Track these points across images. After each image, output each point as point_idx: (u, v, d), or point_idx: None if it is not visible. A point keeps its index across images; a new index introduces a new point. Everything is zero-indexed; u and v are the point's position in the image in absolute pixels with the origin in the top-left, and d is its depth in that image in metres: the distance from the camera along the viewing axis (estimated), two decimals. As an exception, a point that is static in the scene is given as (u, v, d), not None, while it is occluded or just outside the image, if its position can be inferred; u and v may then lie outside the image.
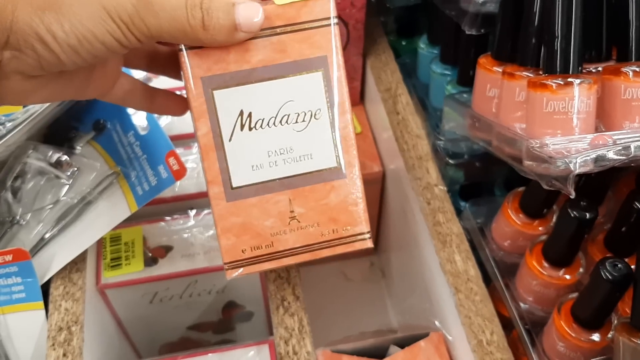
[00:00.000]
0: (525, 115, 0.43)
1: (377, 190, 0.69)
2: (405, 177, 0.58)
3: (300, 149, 0.40)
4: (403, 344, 0.52)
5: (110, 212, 0.52)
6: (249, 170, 0.40)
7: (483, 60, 0.48)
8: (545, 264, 0.47)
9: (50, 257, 0.52)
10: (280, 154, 0.40)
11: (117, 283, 0.53)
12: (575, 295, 0.45)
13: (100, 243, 0.55)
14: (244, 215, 0.40)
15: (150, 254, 0.55)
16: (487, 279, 0.52)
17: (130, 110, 0.54)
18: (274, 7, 0.38)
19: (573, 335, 0.43)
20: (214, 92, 0.39)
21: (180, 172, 0.51)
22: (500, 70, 0.46)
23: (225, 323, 0.62)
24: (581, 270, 0.47)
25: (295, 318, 0.49)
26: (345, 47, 0.64)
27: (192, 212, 0.57)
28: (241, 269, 0.41)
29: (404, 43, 0.69)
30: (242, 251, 0.41)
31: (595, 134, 0.39)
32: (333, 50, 0.39)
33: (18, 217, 0.53)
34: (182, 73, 0.39)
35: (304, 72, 0.39)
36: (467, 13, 0.50)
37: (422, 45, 0.62)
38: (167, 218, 0.57)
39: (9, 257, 0.49)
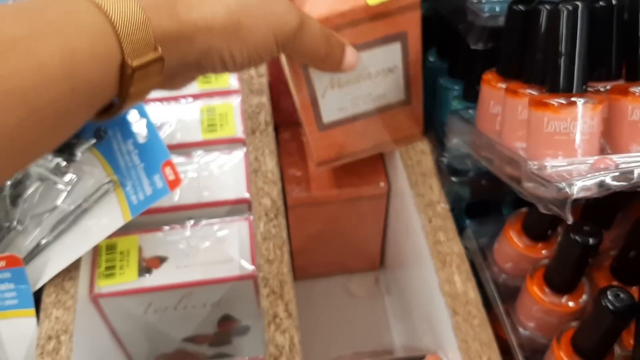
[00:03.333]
0: (526, 134, 0.41)
1: (382, 206, 0.68)
2: (408, 194, 0.57)
3: (377, 92, 0.54)
4: (399, 366, 0.51)
5: (105, 221, 0.52)
6: (336, 111, 0.54)
7: (488, 76, 0.47)
8: (547, 290, 0.45)
9: (44, 264, 0.51)
10: (362, 97, 0.54)
11: (111, 293, 0.53)
12: (576, 323, 0.43)
13: (95, 251, 0.55)
14: (330, 138, 0.56)
15: (145, 264, 0.54)
16: (488, 302, 0.50)
17: (131, 118, 0.54)
18: (365, 5, 0.47)
19: (573, 366, 0.41)
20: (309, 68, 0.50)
21: (175, 182, 0.50)
22: (504, 87, 0.45)
23: (221, 336, 0.61)
24: (585, 297, 0.45)
25: (286, 335, 0.48)
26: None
27: (190, 223, 0.56)
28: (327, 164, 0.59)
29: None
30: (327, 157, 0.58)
31: (597, 157, 0.37)
32: (413, 29, 0.51)
33: (15, 223, 0.53)
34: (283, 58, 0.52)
35: (385, 44, 0.50)
36: (472, 27, 0.49)
37: (431, 58, 0.60)
38: (165, 228, 0.57)
39: (2, 263, 0.49)
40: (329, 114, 0.54)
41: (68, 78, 0.31)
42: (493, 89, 0.46)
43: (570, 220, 0.35)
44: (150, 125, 0.53)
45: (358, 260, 0.77)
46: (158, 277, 0.53)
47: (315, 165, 0.58)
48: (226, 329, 0.60)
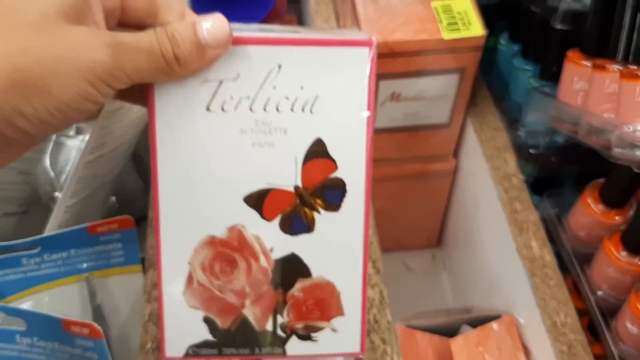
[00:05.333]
0: (613, 106, 0.45)
1: (447, 183, 0.71)
2: (481, 168, 0.61)
3: (426, 112, 0.61)
4: (474, 324, 0.54)
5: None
6: (387, 120, 0.61)
7: (571, 54, 0.50)
8: (623, 252, 0.49)
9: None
10: (412, 114, 0.61)
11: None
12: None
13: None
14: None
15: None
16: (562, 269, 0.54)
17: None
18: (440, 38, 0.54)
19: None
20: (379, 81, 0.58)
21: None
22: (589, 64, 0.49)
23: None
24: (658, 260, 0.49)
25: (376, 289, 0.52)
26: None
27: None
28: None
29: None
30: None
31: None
32: (472, 66, 0.58)
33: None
34: None
35: (445, 74, 0.57)
36: (554, 10, 0.53)
37: (503, 42, 0.64)
38: None
39: (114, 225, 0.52)
40: (381, 121, 0.62)
41: None
42: (577, 66, 0.49)
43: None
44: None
45: (416, 238, 0.81)
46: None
47: None
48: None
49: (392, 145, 0.65)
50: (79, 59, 0.29)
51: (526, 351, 0.53)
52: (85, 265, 0.53)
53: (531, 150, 0.58)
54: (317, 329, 0.42)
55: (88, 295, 0.53)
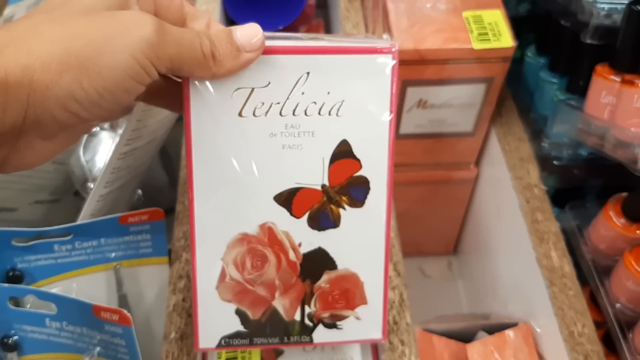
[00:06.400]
0: (641, 121, 0.46)
1: (468, 191, 0.72)
2: (504, 178, 0.61)
3: (452, 120, 0.62)
4: (491, 331, 0.55)
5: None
6: (413, 127, 0.62)
7: (600, 68, 0.51)
8: (643, 266, 0.49)
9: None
10: (437, 121, 0.62)
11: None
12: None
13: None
14: (399, 147, 0.62)
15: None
16: (580, 281, 0.54)
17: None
18: (470, 48, 0.55)
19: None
20: (408, 87, 0.59)
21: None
22: (618, 79, 0.49)
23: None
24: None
25: (396, 292, 0.53)
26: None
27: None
28: None
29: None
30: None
31: None
32: (499, 76, 0.59)
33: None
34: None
35: (473, 83, 0.59)
36: (584, 25, 0.54)
37: (530, 54, 0.65)
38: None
39: (145, 217, 0.54)
40: (406, 127, 0.64)
41: None
42: (606, 81, 0.50)
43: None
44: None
45: (434, 244, 0.82)
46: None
47: None
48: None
49: (416, 150, 0.66)
50: (127, 35, 0.30)
51: (542, 360, 0.54)
52: (114, 254, 0.54)
53: (554, 162, 0.59)
54: (342, 318, 0.43)
55: (115, 284, 0.55)
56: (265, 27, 0.81)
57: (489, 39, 0.56)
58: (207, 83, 0.36)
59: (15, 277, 0.52)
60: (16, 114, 0.29)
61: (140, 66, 0.31)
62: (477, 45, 0.55)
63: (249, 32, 0.35)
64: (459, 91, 0.59)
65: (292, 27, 0.77)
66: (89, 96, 0.30)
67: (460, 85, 0.59)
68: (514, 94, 0.67)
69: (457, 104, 0.61)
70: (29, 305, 0.51)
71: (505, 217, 0.62)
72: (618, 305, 0.52)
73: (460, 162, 0.69)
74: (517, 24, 0.68)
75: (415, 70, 0.57)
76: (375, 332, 0.44)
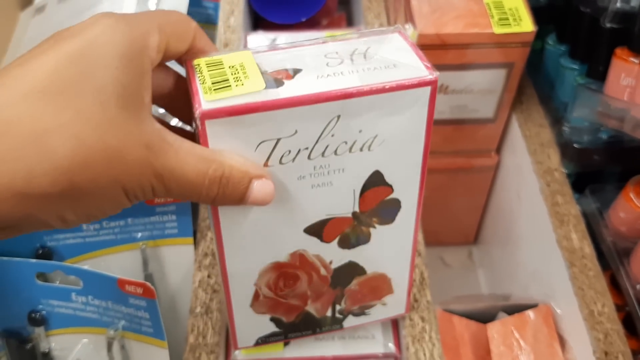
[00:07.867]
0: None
1: (488, 179, 0.73)
2: (524, 163, 0.62)
3: (473, 106, 0.63)
4: (511, 312, 0.56)
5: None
6: (435, 113, 0.58)
7: (619, 51, 0.52)
8: (664, 246, 0.50)
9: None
10: (458, 107, 0.63)
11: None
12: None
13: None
14: None
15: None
16: (601, 264, 0.55)
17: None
18: (491, 32, 0.56)
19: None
20: None
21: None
22: (637, 61, 0.50)
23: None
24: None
25: (417, 271, 0.53)
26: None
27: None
28: None
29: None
30: None
31: None
32: (520, 61, 0.59)
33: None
34: None
35: (494, 68, 0.59)
36: (603, 10, 0.54)
37: (550, 42, 0.65)
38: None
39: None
40: None
41: None
42: (626, 63, 0.51)
43: None
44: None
45: (454, 233, 0.82)
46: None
47: None
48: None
49: (437, 137, 0.66)
50: (125, 168, 0.29)
51: (562, 341, 0.54)
52: (140, 234, 0.56)
53: (575, 145, 0.60)
54: (370, 307, 0.44)
55: (141, 264, 0.56)
56: (287, 20, 0.81)
57: (510, 24, 0.57)
58: (227, 137, 0.32)
59: (45, 255, 0.54)
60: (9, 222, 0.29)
61: (131, 202, 0.31)
62: (497, 30, 0.56)
63: (263, 194, 0.34)
64: (480, 76, 0.60)
65: (313, 20, 0.78)
66: (78, 220, 0.31)
67: (481, 70, 0.59)
68: (534, 83, 0.68)
69: (478, 90, 0.61)
70: (58, 282, 0.52)
71: (525, 202, 0.63)
72: (639, 286, 0.52)
73: (481, 150, 0.69)
74: (538, 14, 0.69)
75: (436, 55, 0.58)
76: (399, 309, 0.45)
